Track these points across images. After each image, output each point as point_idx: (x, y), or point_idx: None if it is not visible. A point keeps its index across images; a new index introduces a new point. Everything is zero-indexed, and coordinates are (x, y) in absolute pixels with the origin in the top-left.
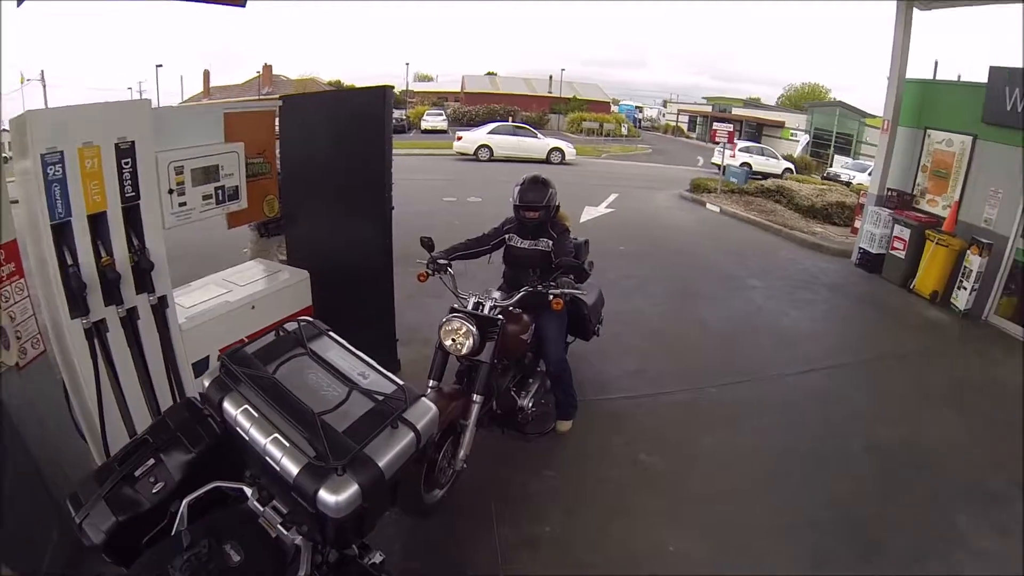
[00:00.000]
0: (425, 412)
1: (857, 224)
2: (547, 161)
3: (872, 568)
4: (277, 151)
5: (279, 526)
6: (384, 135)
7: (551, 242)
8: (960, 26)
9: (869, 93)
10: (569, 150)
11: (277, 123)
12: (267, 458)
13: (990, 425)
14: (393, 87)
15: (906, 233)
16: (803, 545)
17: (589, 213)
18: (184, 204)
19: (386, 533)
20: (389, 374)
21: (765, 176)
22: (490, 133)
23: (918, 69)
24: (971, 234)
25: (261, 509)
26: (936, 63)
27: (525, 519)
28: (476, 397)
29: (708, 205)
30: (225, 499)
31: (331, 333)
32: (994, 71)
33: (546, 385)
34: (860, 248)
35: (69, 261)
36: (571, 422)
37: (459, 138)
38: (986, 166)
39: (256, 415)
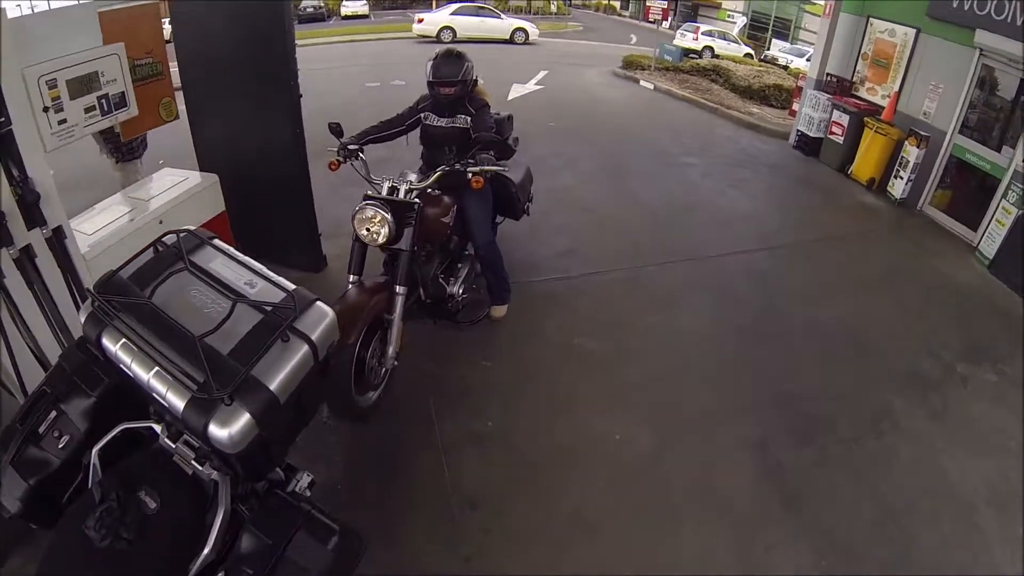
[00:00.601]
0: (321, 318)
1: (795, 107)
2: (511, 41)
3: (814, 450)
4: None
5: (193, 462)
6: (283, 16)
7: (469, 118)
8: None
9: None
10: (532, 30)
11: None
12: (154, 394)
13: (924, 312)
14: None
15: (845, 119)
16: (746, 427)
17: (517, 91)
18: (64, 121)
19: (326, 441)
20: (280, 280)
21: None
22: (452, 15)
23: None
24: (909, 125)
25: (172, 446)
26: None
27: (465, 414)
28: (399, 288)
29: (642, 82)
30: (140, 440)
31: (216, 241)
32: None
33: (476, 269)
34: (798, 131)
35: None
36: (505, 307)
37: (420, 20)
38: (928, 60)
39: (135, 348)
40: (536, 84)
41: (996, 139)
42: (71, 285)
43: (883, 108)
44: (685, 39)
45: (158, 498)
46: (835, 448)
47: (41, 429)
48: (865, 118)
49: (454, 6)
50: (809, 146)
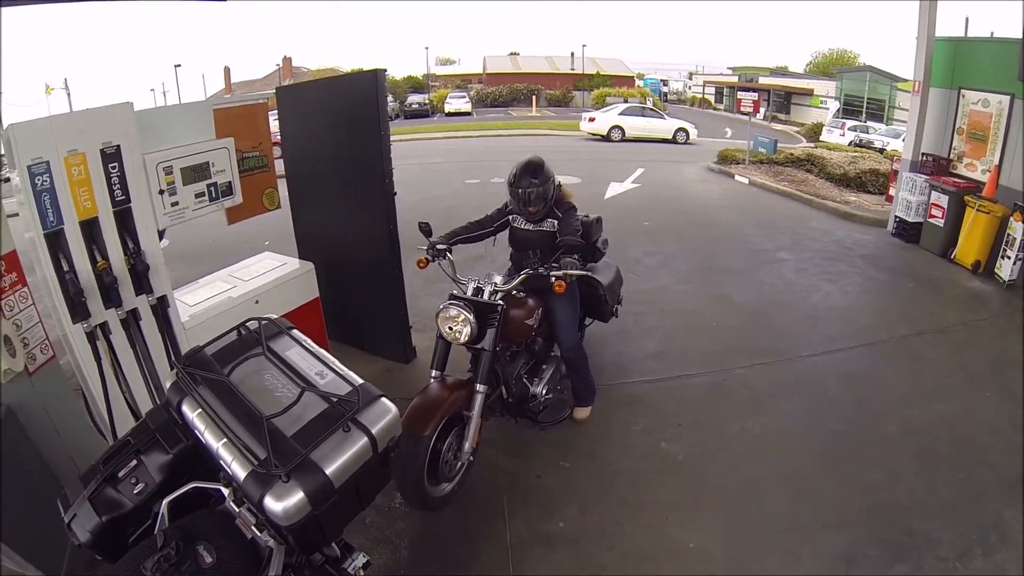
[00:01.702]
0: (383, 414)
1: (892, 192)
2: (673, 141)
3: (908, 568)
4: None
5: (253, 527)
6: (379, 119)
7: (556, 222)
8: None
9: (900, 57)
10: (692, 131)
11: (275, 116)
12: (220, 461)
13: None
14: (384, 70)
15: (944, 200)
16: (833, 542)
17: (614, 189)
18: (176, 204)
19: (395, 526)
20: (349, 374)
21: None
22: (621, 115)
23: (948, 27)
24: (1013, 200)
25: (236, 510)
26: (967, 19)
27: (538, 513)
28: (479, 387)
29: (736, 176)
30: (207, 499)
31: (294, 331)
32: None
33: (561, 371)
34: (896, 217)
35: (65, 268)
36: (589, 409)
37: (591, 119)
38: None
39: (209, 418)
40: (633, 182)
41: None
42: (169, 349)
43: (984, 184)
44: (832, 135)
45: (215, 554)
46: (934, 566)
47: (121, 473)
48: (966, 197)
49: (622, 106)
50: (909, 232)
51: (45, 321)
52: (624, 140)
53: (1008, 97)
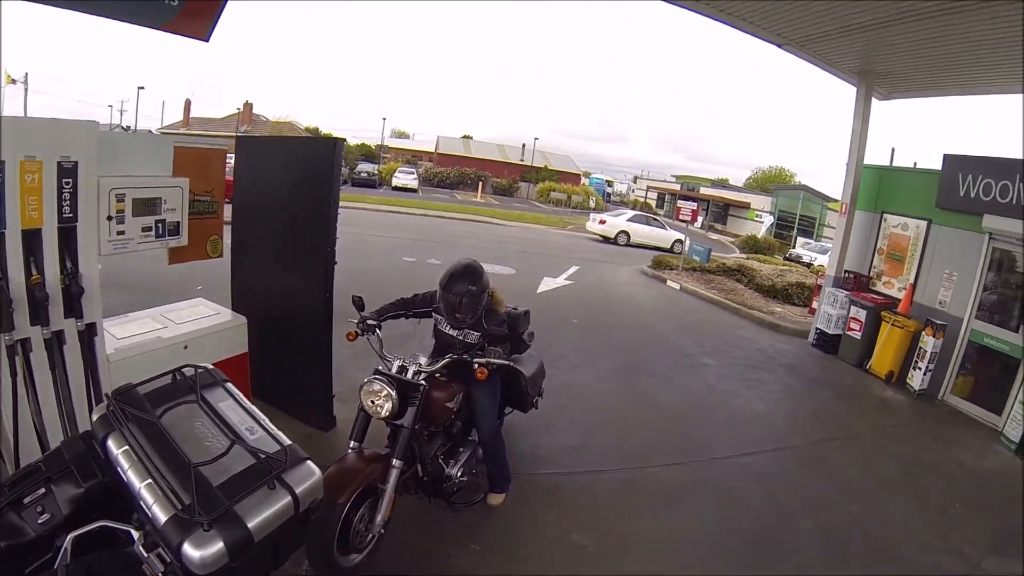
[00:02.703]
0: (308, 476)
1: (815, 305)
2: (670, 250)
3: None
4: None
5: (160, 574)
6: (332, 188)
7: (478, 335)
8: (917, 115)
9: (832, 178)
10: (687, 241)
11: (231, 164)
12: (140, 502)
13: (946, 506)
14: (344, 140)
15: (862, 314)
16: None
17: (547, 284)
18: (122, 233)
19: None
20: (279, 433)
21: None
22: (628, 221)
23: (877, 155)
24: (926, 316)
25: (145, 555)
26: (893, 150)
27: None
28: (396, 462)
29: (669, 282)
30: (114, 540)
31: (228, 384)
32: (948, 159)
33: (478, 455)
34: (817, 328)
35: None
36: (503, 495)
37: (602, 222)
38: (940, 250)
39: (135, 457)
40: (566, 279)
41: (1015, 319)
42: (88, 379)
43: (899, 301)
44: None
45: None
46: None
47: (26, 500)
48: (882, 312)
49: (630, 214)
50: (828, 343)
51: None
52: (629, 244)
53: (926, 222)
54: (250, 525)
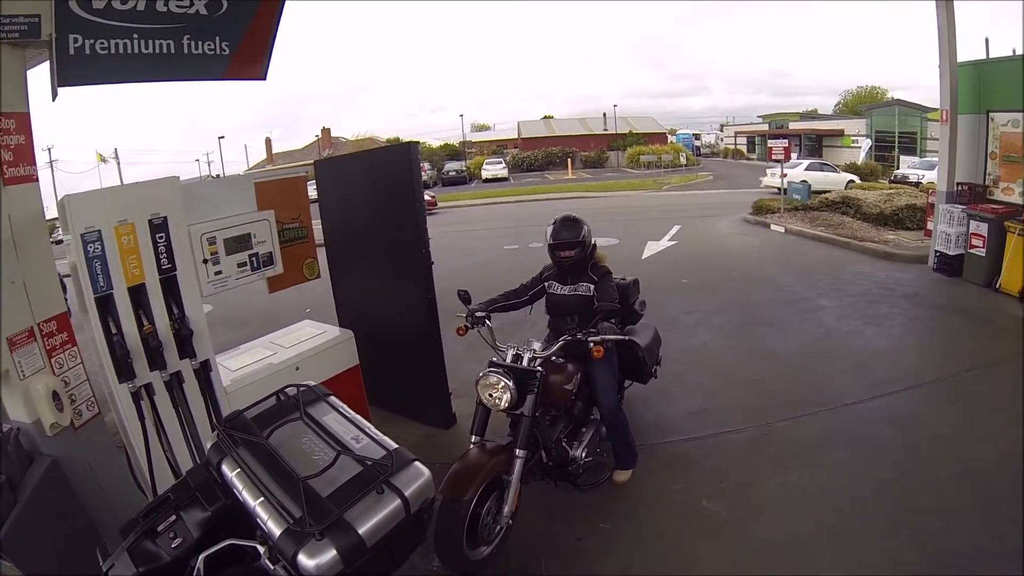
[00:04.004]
0: (416, 477)
1: (930, 226)
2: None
3: None
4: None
5: None
6: (414, 191)
7: (592, 286)
8: None
9: (930, 87)
10: (857, 180)
11: (313, 187)
12: (257, 519)
13: None
14: (418, 143)
15: (983, 228)
16: None
17: (651, 248)
18: (220, 272)
19: None
20: (384, 439)
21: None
22: (806, 170)
23: (971, 51)
24: None
25: (271, 568)
26: (987, 40)
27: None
28: (519, 452)
29: (772, 226)
30: (243, 556)
31: (331, 398)
32: None
33: (601, 433)
34: (936, 251)
35: (113, 330)
36: (630, 471)
37: (784, 175)
38: None
39: (248, 478)
40: (669, 240)
41: None
42: (210, 411)
43: (1023, 207)
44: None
45: None
46: None
47: (160, 527)
48: (1005, 222)
49: (806, 163)
50: (950, 266)
51: (92, 379)
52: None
53: None
54: (361, 531)
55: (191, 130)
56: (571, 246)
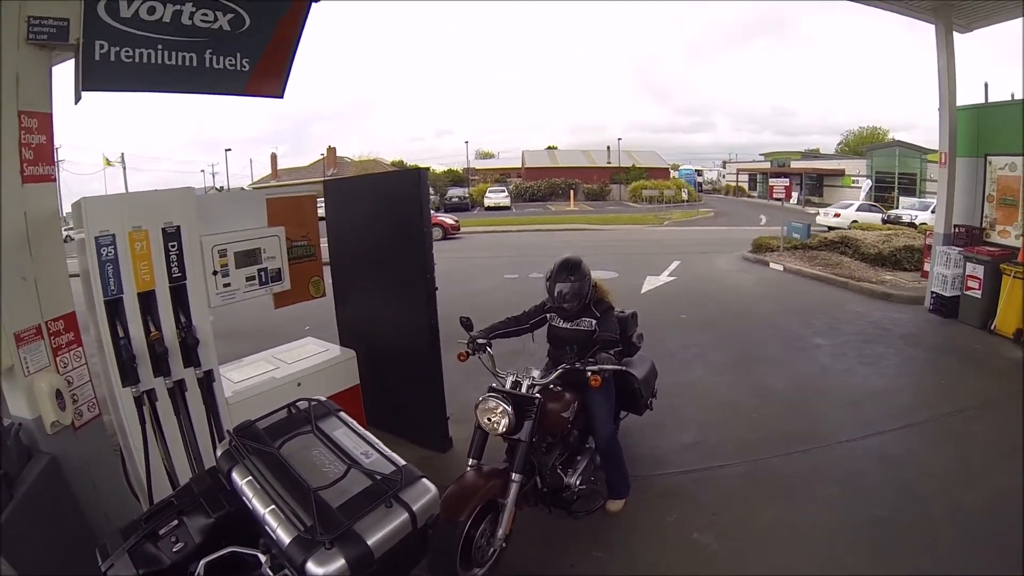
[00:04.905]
0: (424, 493)
1: (927, 267)
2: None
3: None
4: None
5: None
6: (421, 216)
7: (594, 321)
8: (1005, 43)
9: (929, 128)
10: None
11: (321, 206)
12: (265, 527)
13: None
14: (428, 168)
15: (979, 270)
16: None
17: (650, 283)
18: (228, 285)
19: None
20: (393, 455)
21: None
22: (857, 210)
23: (970, 95)
24: None
25: None
26: (986, 85)
27: None
28: (515, 476)
29: (771, 264)
30: (242, 564)
31: (341, 413)
32: None
33: (596, 462)
34: (932, 292)
35: (121, 334)
36: (623, 501)
37: (837, 215)
38: None
39: (258, 486)
40: (668, 275)
41: None
42: (211, 421)
43: (1019, 250)
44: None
45: None
46: None
47: (162, 531)
48: (1002, 265)
49: (856, 203)
50: (946, 307)
51: (95, 381)
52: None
53: None
54: (370, 542)
55: (197, 140)
56: (570, 300)
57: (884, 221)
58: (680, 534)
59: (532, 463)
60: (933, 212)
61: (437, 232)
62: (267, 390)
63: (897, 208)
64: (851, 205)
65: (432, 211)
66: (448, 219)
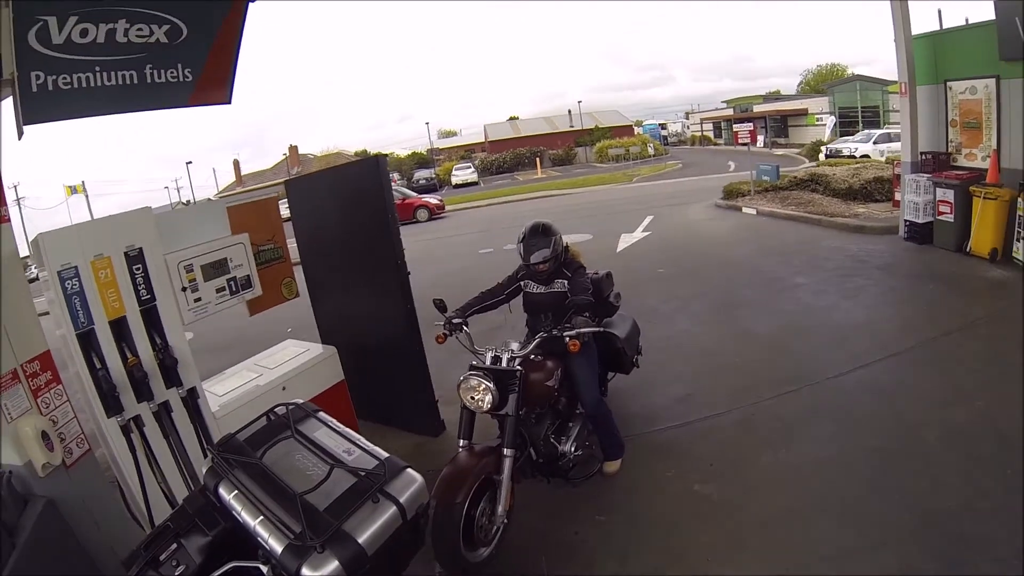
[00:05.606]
0: (410, 483)
1: (898, 197)
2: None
3: (971, 569)
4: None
5: None
6: (385, 203)
7: (566, 282)
8: None
9: (889, 61)
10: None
11: (285, 206)
12: (258, 539)
13: None
14: (386, 155)
15: (950, 194)
16: (885, 562)
17: (625, 241)
18: (199, 299)
19: None
20: (375, 449)
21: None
22: (874, 143)
23: (925, 23)
24: (1017, 180)
25: None
26: (940, 12)
27: (578, 569)
28: (506, 451)
29: (744, 209)
30: None
31: (320, 413)
32: (1000, 6)
33: (589, 427)
34: (906, 220)
35: (98, 365)
36: (619, 462)
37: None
38: (1017, 104)
39: (246, 498)
40: (643, 231)
41: None
42: (201, 438)
43: (986, 171)
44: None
45: None
46: (992, 567)
47: (162, 557)
48: (971, 187)
49: (877, 133)
50: (920, 234)
51: (80, 416)
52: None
53: (994, 79)
54: (361, 540)
55: (159, 157)
56: (544, 260)
57: (827, 156)
58: (681, 488)
59: (524, 436)
60: (876, 143)
61: (423, 213)
62: (253, 399)
63: (834, 143)
64: (870, 138)
65: (416, 194)
66: (433, 199)
